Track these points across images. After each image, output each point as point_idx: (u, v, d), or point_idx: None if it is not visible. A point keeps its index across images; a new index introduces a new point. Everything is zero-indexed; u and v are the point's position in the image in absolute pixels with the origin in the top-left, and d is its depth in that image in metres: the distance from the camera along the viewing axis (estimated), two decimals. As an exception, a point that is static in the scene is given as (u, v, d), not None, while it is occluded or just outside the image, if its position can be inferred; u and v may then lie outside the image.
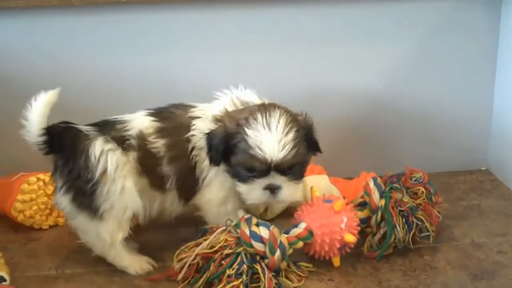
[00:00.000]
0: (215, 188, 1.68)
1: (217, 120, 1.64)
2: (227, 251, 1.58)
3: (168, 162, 1.65)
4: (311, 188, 1.74)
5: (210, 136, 1.61)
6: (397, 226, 1.68)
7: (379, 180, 1.74)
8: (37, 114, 1.57)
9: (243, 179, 1.60)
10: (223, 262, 1.58)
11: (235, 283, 1.54)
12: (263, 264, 1.57)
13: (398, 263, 1.69)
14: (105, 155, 1.60)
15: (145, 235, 1.82)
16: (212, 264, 1.58)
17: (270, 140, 1.55)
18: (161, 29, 1.99)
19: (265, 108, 1.60)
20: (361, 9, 2.04)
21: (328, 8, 2.03)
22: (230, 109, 1.66)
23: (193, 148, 1.65)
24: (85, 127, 1.64)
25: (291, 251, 1.60)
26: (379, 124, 2.17)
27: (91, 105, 1.95)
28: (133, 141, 1.64)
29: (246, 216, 1.61)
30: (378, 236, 1.70)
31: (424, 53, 2.11)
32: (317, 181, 1.89)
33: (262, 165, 1.56)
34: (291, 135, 1.57)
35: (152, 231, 1.84)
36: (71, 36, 1.97)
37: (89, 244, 1.67)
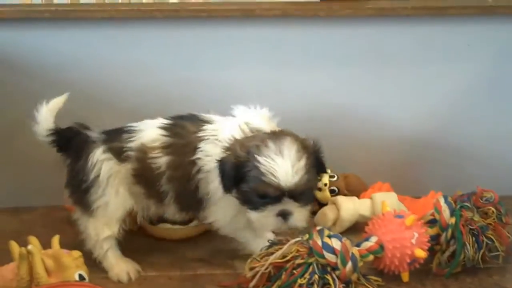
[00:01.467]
0: (223, 208, 1.71)
1: (227, 148, 1.64)
2: (299, 261, 1.61)
3: (168, 180, 1.69)
4: (383, 202, 1.77)
5: (221, 163, 1.62)
6: (467, 245, 1.68)
7: (449, 198, 1.75)
8: (43, 117, 1.71)
9: (254, 206, 1.61)
10: (294, 271, 1.60)
11: (306, 292, 1.56)
12: (334, 275, 1.59)
13: (467, 281, 1.69)
14: (100, 164, 1.69)
15: (217, 244, 1.86)
16: (284, 273, 1.60)
17: (283, 166, 1.56)
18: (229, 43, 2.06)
19: (275, 135, 1.62)
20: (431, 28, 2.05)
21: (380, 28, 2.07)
22: (238, 136, 1.66)
23: (198, 171, 1.67)
24: (95, 134, 1.73)
25: (361, 264, 1.62)
26: (447, 145, 2.18)
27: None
28: (131, 153, 1.69)
29: (319, 227, 1.64)
30: (447, 253, 1.70)
31: (494, 75, 2.11)
32: (385, 198, 1.90)
33: (276, 191, 1.58)
34: (303, 162, 1.58)
35: (222, 240, 1.88)
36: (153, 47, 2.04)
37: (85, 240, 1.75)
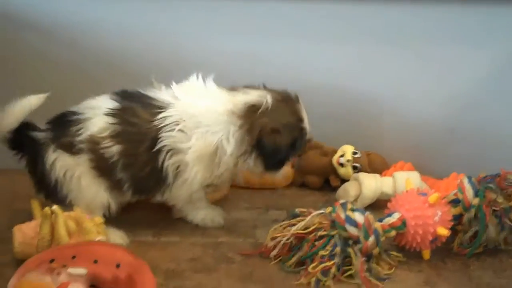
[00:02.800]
0: (184, 190, 1.73)
1: (273, 130, 1.68)
2: (321, 233, 1.62)
3: (123, 168, 1.68)
4: (407, 180, 1.77)
5: (275, 146, 1.69)
6: (490, 226, 1.68)
7: (473, 179, 1.75)
8: (13, 115, 1.66)
9: (282, 165, 1.75)
10: (316, 243, 1.61)
11: (328, 264, 1.57)
12: (355, 248, 1.59)
13: (488, 262, 1.70)
14: (55, 164, 1.67)
15: (238, 213, 1.89)
16: (306, 244, 1.62)
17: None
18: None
19: (282, 98, 1.73)
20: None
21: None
22: (236, 110, 1.69)
23: (163, 159, 1.67)
24: (42, 133, 1.69)
25: (383, 239, 1.63)
26: (471, 127, 2.17)
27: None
28: (83, 146, 1.66)
29: (342, 201, 1.65)
30: (469, 233, 1.70)
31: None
32: (408, 177, 1.90)
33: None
34: None
35: (244, 210, 1.90)
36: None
37: None
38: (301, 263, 1.62)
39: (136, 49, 2.08)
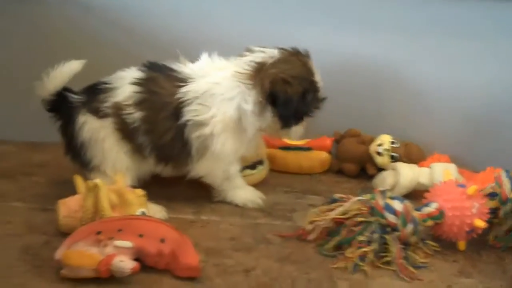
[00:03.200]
0: (214, 162, 1.80)
1: (283, 80, 1.73)
2: (359, 219, 1.65)
3: (144, 133, 1.77)
4: (445, 171, 1.79)
5: (286, 99, 1.73)
6: (526, 220, 1.70)
7: (511, 173, 1.77)
8: (57, 78, 1.77)
9: (297, 120, 1.78)
10: (354, 229, 1.64)
11: (365, 249, 1.60)
12: (393, 235, 1.62)
13: (523, 256, 1.71)
14: (83, 126, 1.77)
15: (276, 197, 1.92)
16: (344, 229, 1.65)
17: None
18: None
19: (291, 55, 1.78)
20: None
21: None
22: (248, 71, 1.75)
23: (187, 130, 1.76)
24: (75, 96, 1.79)
25: (421, 228, 1.65)
26: (508, 121, 2.18)
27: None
28: (109, 111, 1.76)
29: (381, 188, 1.68)
30: (505, 227, 1.72)
31: None
32: (445, 169, 1.92)
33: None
34: None
35: (282, 194, 1.94)
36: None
37: None
38: (339, 247, 1.65)
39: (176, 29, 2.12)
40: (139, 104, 1.75)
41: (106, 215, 1.60)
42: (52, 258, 1.52)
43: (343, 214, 1.67)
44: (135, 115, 1.75)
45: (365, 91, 2.14)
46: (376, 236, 1.61)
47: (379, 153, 2.06)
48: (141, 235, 1.50)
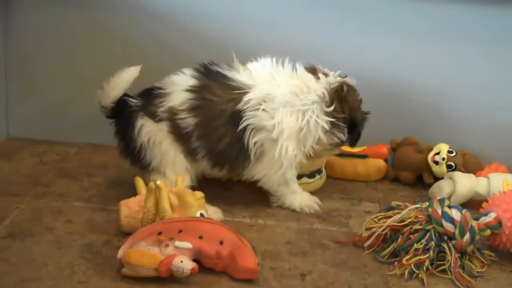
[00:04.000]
0: (269, 166, 1.83)
1: (358, 109, 1.87)
2: (416, 226, 1.65)
3: (198, 138, 1.80)
4: (505, 181, 1.78)
5: (358, 124, 1.85)
6: None
7: None
8: (119, 85, 1.80)
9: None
10: (411, 236, 1.65)
11: (422, 257, 1.60)
12: (450, 244, 1.62)
13: None
14: (142, 129, 1.81)
15: (332, 203, 1.94)
16: (401, 236, 1.66)
17: None
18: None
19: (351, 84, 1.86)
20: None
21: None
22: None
23: (248, 136, 1.78)
24: (133, 100, 1.82)
25: (478, 237, 1.65)
26: None
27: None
28: (164, 115, 1.80)
29: (439, 197, 1.68)
30: None
31: None
32: (504, 179, 1.91)
33: None
34: None
35: (338, 200, 1.95)
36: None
37: None
38: (395, 254, 1.66)
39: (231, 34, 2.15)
40: (192, 110, 1.79)
41: (167, 216, 1.63)
42: (113, 257, 1.57)
43: (400, 221, 1.67)
44: (188, 120, 1.79)
45: (423, 100, 2.13)
46: (432, 244, 1.61)
47: (436, 162, 2.06)
48: (200, 237, 1.53)
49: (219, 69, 1.83)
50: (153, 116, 1.81)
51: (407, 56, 2.10)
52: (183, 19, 2.15)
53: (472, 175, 1.99)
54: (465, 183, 1.95)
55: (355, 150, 2.09)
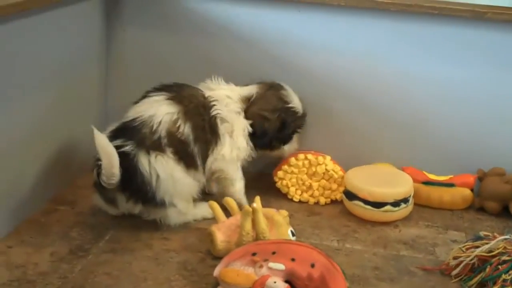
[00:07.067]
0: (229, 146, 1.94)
1: (260, 117, 1.98)
2: (505, 257, 1.67)
3: (195, 141, 1.87)
4: None
5: (262, 133, 1.97)
6: None
7: None
8: (113, 157, 1.77)
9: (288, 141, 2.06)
10: (499, 267, 1.66)
11: (510, 288, 1.62)
12: (538, 277, 1.63)
13: None
14: (153, 165, 1.81)
15: (419, 230, 1.98)
16: (489, 266, 1.67)
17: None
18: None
19: (272, 87, 2.04)
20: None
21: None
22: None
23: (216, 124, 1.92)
24: (126, 147, 1.80)
25: None
26: None
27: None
28: (165, 140, 1.83)
29: (528, 229, 1.69)
30: None
31: None
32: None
33: None
34: None
35: (424, 227, 1.99)
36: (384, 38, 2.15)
37: None
38: (482, 284, 1.68)
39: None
40: (184, 114, 1.87)
41: (267, 237, 1.71)
42: (208, 275, 1.64)
43: (489, 251, 1.69)
44: (185, 129, 1.86)
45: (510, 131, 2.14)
46: (521, 276, 1.63)
47: (522, 189, 2.07)
48: (293, 259, 1.59)
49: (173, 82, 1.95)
50: (158, 146, 1.83)
51: (499, 87, 2.12)
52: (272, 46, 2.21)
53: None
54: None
55: (442, 178, 2.12)
